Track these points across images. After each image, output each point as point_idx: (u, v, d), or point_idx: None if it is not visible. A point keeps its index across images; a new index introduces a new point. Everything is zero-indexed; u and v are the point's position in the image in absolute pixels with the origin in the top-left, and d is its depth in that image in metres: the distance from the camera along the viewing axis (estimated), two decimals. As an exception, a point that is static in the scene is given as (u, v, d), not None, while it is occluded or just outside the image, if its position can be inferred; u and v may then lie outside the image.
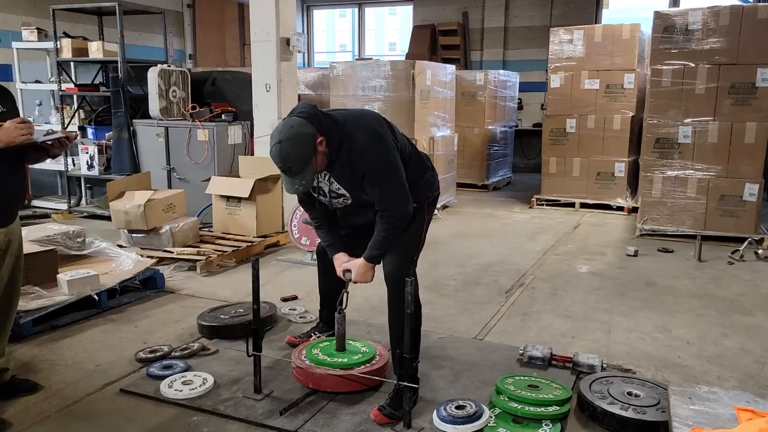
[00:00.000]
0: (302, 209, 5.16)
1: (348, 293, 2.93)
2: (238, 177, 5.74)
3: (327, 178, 2.74)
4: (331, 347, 3.02)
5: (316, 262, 5.14)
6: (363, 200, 2.76)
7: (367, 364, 2.91)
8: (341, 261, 2.95)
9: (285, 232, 5.62)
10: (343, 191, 2.75)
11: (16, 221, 2.82)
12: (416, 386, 2.63)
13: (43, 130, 2.87)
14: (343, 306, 2.92)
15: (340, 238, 3.01)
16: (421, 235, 2.94)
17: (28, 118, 2.65)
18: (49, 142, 2.67)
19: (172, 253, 4.99)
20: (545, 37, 8.11)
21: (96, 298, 3.86)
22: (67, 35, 7.04)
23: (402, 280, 2.67)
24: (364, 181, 2.66)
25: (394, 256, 2.84)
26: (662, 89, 6.02)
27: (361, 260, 2.84)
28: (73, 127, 7.23)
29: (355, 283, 2.89)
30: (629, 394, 2.73)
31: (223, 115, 6.34)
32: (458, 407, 2.63)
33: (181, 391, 2.85)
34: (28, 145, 2.60)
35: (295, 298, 4.27)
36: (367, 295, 4.38)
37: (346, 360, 2.91)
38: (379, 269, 2.90)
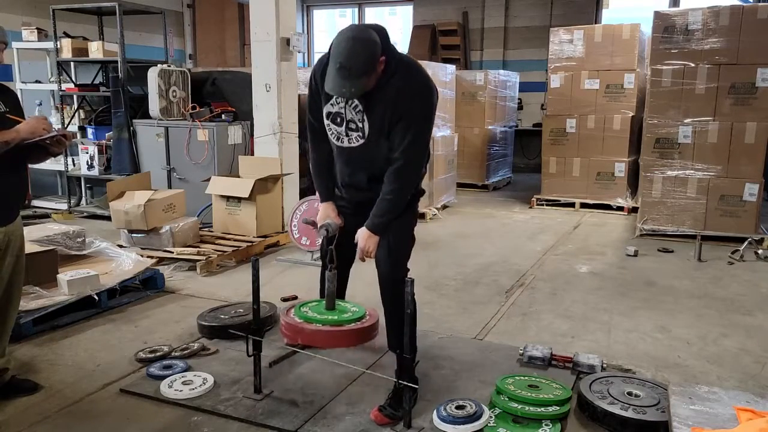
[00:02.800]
0: (302, 209, 5.18)
1: (334, 250, 2.78)
2: (238, 177, 5.74)
3: (354, 105, 2.61)
4: (321, 306, 2.88)
5: (315, 262, 5.14)
6: (376, 146, 2.64)
7: (357, 323, 2.74)
8: (326, 212, 2.87)
9: (285, 232, 5.62)
10: (365, 125, 2.61)
11: (17, 221, 2.82)
12: (416, 386, 2.63)
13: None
14: (334, 264, 2.78)
15: (333, 187, 2.92)
16: (412, 231, 2.92)
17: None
18: (48, 141, 2.68)
19: (172, 253, 4.99)
20: (545, 37, 8.11)
21: (96, 298, 3.86)
22: (67, 35, 7.04)
23: (397, 280, 2.66)
24: (396, 123, 2.55)
25: (387, 256, 2.79)
26: (662, 89, 6.02)
27: (363, 229, 2.73)
28: (73, 127, 7.23)
29: (363, 257, 2.78)
30: (629, 394, 2.73)
31: (223, 115, 6.34)
32: (458, 407, 2.64)
33: (181, 391, 2.85)
34: (30, 143, 2.61)
35: (295, 298, 4.27)
36: (368, 295, 4.37)
37: (336, 317, 2.75)
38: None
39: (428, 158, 2.90)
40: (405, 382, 2.53)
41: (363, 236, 2.74)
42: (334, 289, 2.86)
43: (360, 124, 2.63)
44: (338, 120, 2.67)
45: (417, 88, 2.58)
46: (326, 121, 2.72)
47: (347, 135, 2.69)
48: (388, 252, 2.79)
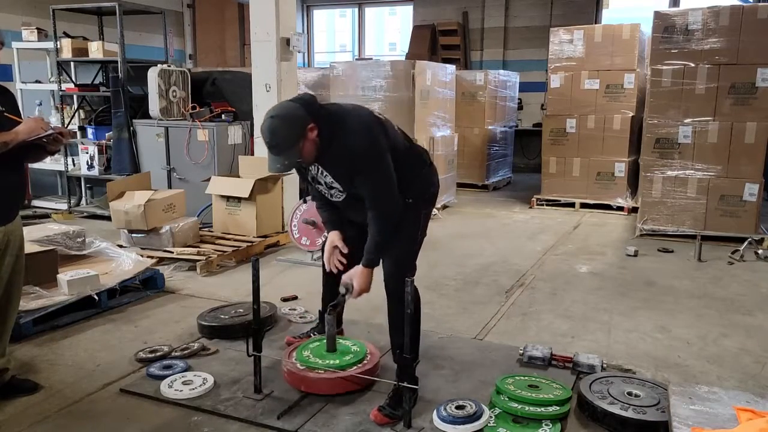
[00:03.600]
0: (302, 209, 5.18)
1: (345, 300, 2.91)
2: (238, 177, 5.74)
3: (320, 170, 2.76)
4: (322, 348, 3.02)
5: (315, 262, 5.14)
6: (356, 194, 2.77)
7: (359, 365, 2.91)
8: (333, 239, 2.99)
9: (285, 232, 5.62)
10: (336, 184, 2.76)
11: (17, 221, 2.82)
12: (416, 387, 2.63)
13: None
14: (336, 309, 2.92)
15: (339, 219, 3.01)
16: (416, 234, 2.91)
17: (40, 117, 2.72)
18: (45, 139, 2.68)
19: (172, 253, 4.99)
20: (545, 37, 8.11)
21: (96, 298, 3.86)
22: (67, 35, 7.04)
23: (399, 281, 2.69)
24: (356, 177, 2.67)
25: (390, 257, 2.84)
26: (662, 89, 6.02)
27: (359, 267, 2.82)
28: (73, 127, 7.23)
29: (358, 295, 2.84)
30: (629, 394, 2.73)
31: (223, 115, 6.34)
32: (458, 407, 2.64)
33: (181, 391, 2.85)
34: (28, 142, 2.62)
35: (295, 298, 4.27)
36: (368, 295, 4.37)
37: (337, 361, 2.90)
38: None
39: (426, 162, 2.98)
40: (405, 384, 2.53)
41: (358, 273, 2.80)
42: (335, 332, 2.97)
43: (333, 185, 2.77)
44: (319, 181, 2.82)
45: (358, 143, 2.63)
46: (313, 184, 2.89)
47: (329, 192, 2.84)
48: (391, 253, 2.85)
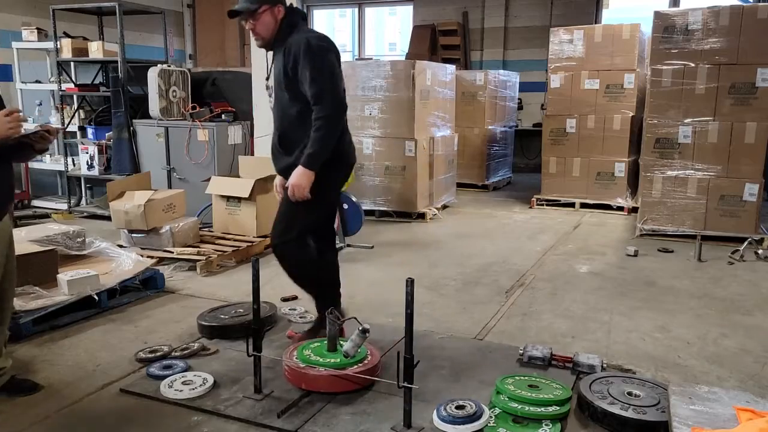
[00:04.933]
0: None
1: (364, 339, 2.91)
2: (238, 177, 5.74)
3: (272, 68, 3.15)
4: (323, 347, 3.03)
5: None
6: (283, 106, 3.07)
7: (359, 364, 2.91)
8: (277, 182, 3.34)
9: (285, 232, 5.61)
10: (271, 82, 3.10)
11: (5, 221, 2.74)
12: (415, 386, 2.62)
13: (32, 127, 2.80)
14: (341, 320, 2.96)
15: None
16: (319, 200, 3.07)
17: (18, 110, 2.54)
18: (32, 138, 2.58)
19: (172, 253, 5.00)
20: (545, 37, 8.11)
21: (96, 298, 3.86)
22: (67, 35, 7.05)
23: (278, 243, 3.10)
24: (296, 67, 2.93)
25: (281, 215, 3.15)
26: (662, 89, 6.02)
27: (298, 167, 2.98)
28: (73, 127, 7.23)
29: (293, 199, 3.00)
30: (629, 394, 2.73)
31: (223, 115, 6.34)
32: (458, 407, 2.63)
33: (181, 391, 2.85)
34: (12, 141, 2.51)
35: (295, 298, 4.27)
36: (368, 296, 4.38)
37: (338, 360, 2.90)
38: None
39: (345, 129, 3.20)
40: (406, 383, 2.53)
41: (295, 172, 2.98)
42: (336, 332, 3.00)
43: (272, 82, 3.15)
44: (269, 86, 3.23)
45: (312, 38, 2.98)
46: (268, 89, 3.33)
47: (270, 99, 3.22)
48: (283, 211, 3.16)
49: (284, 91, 3.03)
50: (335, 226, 5.06)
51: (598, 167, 7.49)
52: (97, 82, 7.50)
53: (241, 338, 3.20)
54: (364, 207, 6.29)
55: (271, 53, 3.23)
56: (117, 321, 3.85)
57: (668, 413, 2.31)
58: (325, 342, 3.03)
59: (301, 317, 3.86)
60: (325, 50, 2.99)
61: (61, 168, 7.18)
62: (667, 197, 6.09)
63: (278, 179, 3.33)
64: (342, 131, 3.13)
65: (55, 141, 7.63)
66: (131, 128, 6.50)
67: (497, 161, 9.43)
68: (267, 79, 3.24)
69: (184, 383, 2.91)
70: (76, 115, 7.30)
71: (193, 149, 6.17)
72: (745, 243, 5.56)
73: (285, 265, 3.21)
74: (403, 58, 11.27)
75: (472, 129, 8.91)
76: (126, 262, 4.33)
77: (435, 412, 2.65)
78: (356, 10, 13.49)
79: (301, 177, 2.97)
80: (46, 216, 6.83)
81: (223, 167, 6.11)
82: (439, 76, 7.27)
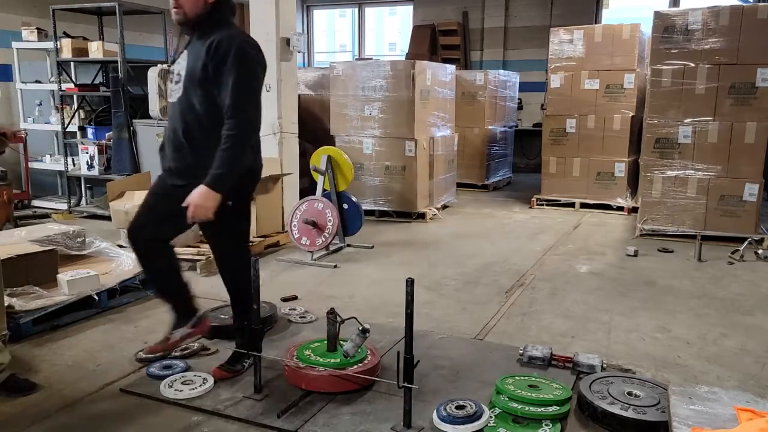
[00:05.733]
0: (302, 209, 5.18)
1: (363, 339, 2.89)
2: (238, 177, 5.74)
3: (185, 55, 2.83)
4: (323, 347, 3.03)
5: (315, 262, 5.14)
6: (191, 100, 2.76)
7: (359, 364, 2.91)
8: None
9: (285, 232, 5.62)
10: (183, 76, 2.78)
11: None
12: (412, 386, 2.62)
13: None
14: (340, 320, 2.93)
15: (164, 152, 3.00)
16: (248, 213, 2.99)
17: None
18: None
19: (172, 253, 4.99)
20: (545, 37, 8.11)
21: (96, 298, 3.86)
22: (67, 35, 7.04)
23: (240, 256, 2.92)
24: (220, 69, 2.68)
25: (229, 236, 2.97)
26: (662, 89, 6.02)
27: (201, 186, 2.66)
28: (73, 127, 7.23)
29: (192, 220, 2.71)
30: (629, 394, 2.73)
31: (223, 115, 6.33)
32: (458, 407, 2.63)
33: (181, 391, 2.85)
34: None
35: (295, 298, 4.27)
36: (367, 296, 4.38)
37: (338, 360, 2.91)
38: None
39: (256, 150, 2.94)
40: (406, 383, 2.53)
41: (198, 191, 2.67)
42: (336, 331, 2.97)
43: (181, 74, 2.81)
44: (173, 70, 2.89)
45: (242, 42, 2.73)
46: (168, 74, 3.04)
47: (171, 89, 2.88)
48: (231, 232, 2.96)
49: (197, 87, 2.75)
50: (336, 225, 5.09)
51: (598, 167, 7.49)
52: (97, 82, 7.49)
53: (241, 338, 3.20)
54: (364, 207, 6.28)
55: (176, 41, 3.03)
56: (117, 321, 3.84)
57: (668, 413, 2.30)
58: (325, 342, 3.03)
59: (301, 317, 3.86)
60: (256, 62, 2.78)
61: (61, 168, 7.18)
62: (667, 197, 6.09)
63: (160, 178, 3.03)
64: (257, 151, 2.93)
65: (55, 141, 7.65)
66: (131, 128, 6.49)
67: (497, 161, 9.43)
68: (171, 64, 2.91)
69: (184, 383, 2.91)
70: (76, 115, 7.30)
71: (193, 149, 6.16)
72: (745, 243, 5.56)
73: (241, 282, 2.94)
74: (403, 58, 11.27)
75: (472, 129, 8.91)
76: (126, 262, 4.32)
77: (435, 412, 2.64)
78: (356, 10, 13.49)
79: (205, 198, 2.65)
80: (46, 216, 6.83)
81: (223, 167, 6.10)
82: (439, 76, 7.27)
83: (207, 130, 2.76)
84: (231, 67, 2.66)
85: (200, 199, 2.65)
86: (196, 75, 2.73)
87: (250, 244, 4.85)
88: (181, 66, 2.82)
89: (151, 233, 2.92)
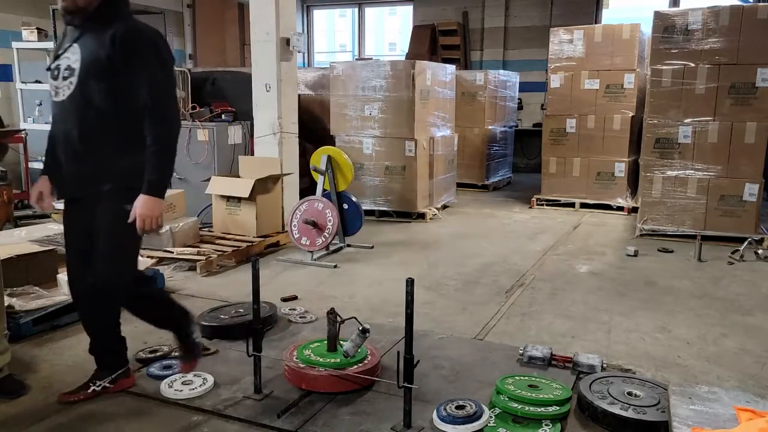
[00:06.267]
0: (302, 209, 5.18)
1: (363, 338, 2.85)
2: (238, 177, 5.75)
3: (73, 47, 2.52)
4: (323, 347, 3.03)
5: (315, 262, 5.14)
6: (89, 97, 2.48)
7: (359, 364, 2.92)
8: (39, 187, 2.75)
9: (285, 232, 5.62)
10: (76, 71, 2.49)
11: None
12: (415, 386, 2.62)
13: None
14: (341, 320, 2.93)
15: (55, 160, 2.68)
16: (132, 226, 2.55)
17: None
18: None
19: (172, 253, 4.99)
20: (545, 37, 8.11)
21: (96, 298, 3.86)
22: (67, 35, 7.04)
23: (119, 287, 2.59)
24: (127, 62, 2.44)
25: (110, 249, 2.59)
26: (662, 89, 6.02)
27: (140, 196, 2.50)
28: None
29: (144, 229, 2.51)
30: (629, 394, 2.73)
31: (223, 115, 6.34)
32: (458, 407, 2.63)
33: (181, 391, 2.85)
34: None
35: (295, 298, 4.27)
36: (367, 296, 4.38)
37: (338, 360, 2.91)
38: None
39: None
40: (406, 384, 2.53)
41: (140, 202, 2.49)
42: (336, 331, 2.96)
43: (72, 67, 2.51)
44: (59, 66, 2.57)
45: (149, 33, 2.53)
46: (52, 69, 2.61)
47: (58, 85, 2.56)
48: (108, 251, 2.59)
49: (97, 82, 2.47)
50: (336, 225, 5.09)
51: (598, 167, 7.48)
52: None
53: (241, 338, 3.20)
54: (364, 207, 6.29)
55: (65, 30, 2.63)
56: (117, 321, 3.83)
57: (668, 413, 2.31)
58: (325, 342, 3.03)
59: (301, 317, 3.86)
60: (169, 55, 2.57)
61: (61, 168, 7.17)
62: (667, 197, 6.09)
63: (44, 184, 2.76)
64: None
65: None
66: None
67: (497, 161, 9.43)
68: (57, 57, 2.57)
69: (184, 383, 2.91)
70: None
71: (193, 149, 6.17)
72: (745, 243, 5.56)
73: (143, 308, 2.79)
74: (403, 58, 11.27)
75: (472, 129, 8.91)
76: (126, 262, 4.32)
77: (435, 412, 2.65)
78: (356, 10, 13.49)
79: (151, 206, 2.49)
80: (46, 216, 6.83)
81: (223, 167, 6.11)
82: (439, 76, 7.27)
83: (111, 130, 2.53)
84: (146, 62, 2.47)
85: (145, 208, 2.48)
86: (97, 68, 2.46)
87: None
88: (71, 60, 2.51)
89: (129, 269, 2.67)
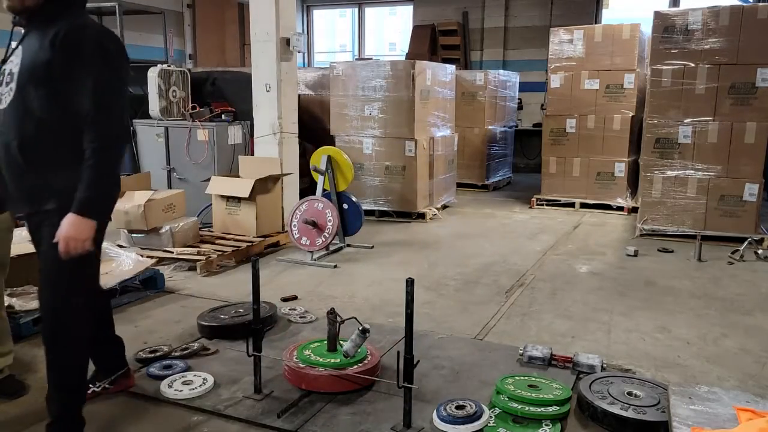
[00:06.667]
0: (302, 209, 5.18)
1: (364, 338, 2.84)
2: (238, 177, 5.75)
3: (18, 52, 2.29)
4: (323, 347, 3.03)
5: (315, 262, 5.15)
6: (29, 105, 2.23)
7: (359, 364, 2.92)
8: None
9: (285, 232, 5.62)
10: (14, 73, 2.26)
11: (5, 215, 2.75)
12: (415, 387, 2.62)
13: None
14: (341, 321, 2.92)
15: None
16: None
17: None
18: None
19: (172, 253, 4.99)
20: (545, 37, 8.11)
21: (96, 298, 3.86)
22: (67, 35, 7.04)
23: (59, 309, 2.31)
24: (70, 65, 2.19)
25: (52, 273, 2.32)
26: (662, 89, 6.02)
27: (68, 215, 2.19)
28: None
29: (66, 251, 2.18)
30: (629, 394, 2.73)
31: (223, 115, 6.35)
32: (458, 407, 2.63)
33: (181, 391, 2.85)
34: None
35: (295, 298, 4.27)
36: (367, 296, 4.38)
37: (338, 360, 2.91)
38: None
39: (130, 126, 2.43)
40: (406, 384, 2.53)
41: (67, 222, 2.19)
42: (336, 331, 2.95)
43: (12, 71, 2.28)
44: (2, 71, 2.34)
45: (97, 33, 2.28)
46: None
47: (2, 92, 2.32)
48: (52, 279, 2.33)
49: (35, 88, 2.22)
50: (336, 225, 5.09)
51: (598, 167, 7.49)
52: (97, 82, 7.49)
53: (241, 338, 3.21)
54: (364, 207, 6.29)
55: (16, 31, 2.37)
56: (117, 321, 3.79)
57: (668, 413, 2.31)
58: (325, 342, 3.03)
59: (301, 317, 3.86)
60: (121, 57, 2.34)
61: (61, 168, 7.17)
62: (667, 197, 6.09)
63: None
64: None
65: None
66: (131, 128, 6.49)
67: (497, 161, 9.43)
68: (3, 62, 2.34)
69: (184, 383, 2.91)
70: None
71: (193, 149, 6.17)
72: (745, 243, 5.55)
73: (62, 343, 2.35)
74: (403, 58, 11.28)
75: (472, 129, 8.91)
76: (126, 262, 4.32)
77: (435, 412, 2.65)
78: (356, 10, 13.50)
79: (78, 228, 2.18)
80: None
81: (223, 167, 6.11)
82: (439, 76, 7.27)
83: (55, 141, 2.26)
84: (89, 64, 2.20)
85: (71, 229, 2.18)
86: (37, 72, 2.22)
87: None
88: (14, 64, 2.29)
89: (75, 294, 2.36)
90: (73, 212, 2.19)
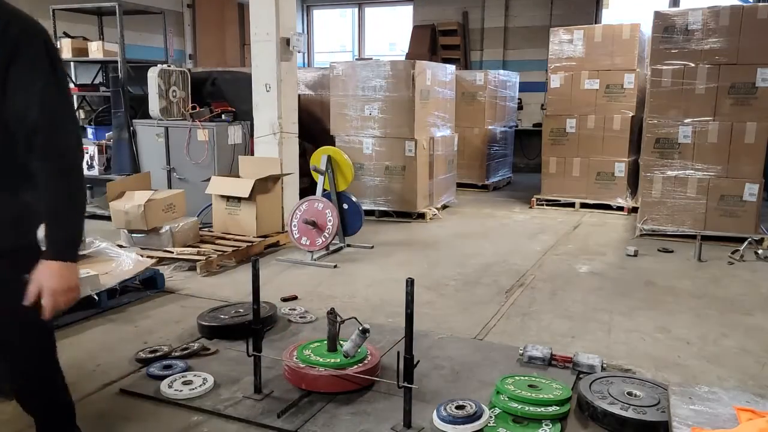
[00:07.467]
0: (302, 209, 5.18)
1: (364, 338, 2.83)
2: (238, 177, 5.74)
3: None
4: (323, 347, 3.03)
5: (315, 262, 5.14)
6: None
7: (359, 364, 2.91)
8: None
9: (285, 232, 5.62)
10: None
11: None
12: (415, 386, 2.62)
13: None
14: (341, 320, 2.92)
15: None
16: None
17: None
18: None
19: (172, 253, 4.99)
20: (545, 37, 8.11)
21: (96, 298, 3.86)
22: (67, 35, 7.04)
23: (46, 378, 2.03)
24: (7, 66, 1.71)
25: (26, 351, 1.98)
26: (662, 89, 6.02)
27: (45, 264, 1.78)
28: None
29: (51, 309, 1.79)
30: (629, 394, 2.73)
31: (223, 115, 6.34)
32: (458, 407, 2.63)
33: (181, 391, 2.85)
34: None
35: (295, 298, 4.27)
36: (367, 296, 4.38)
37: (338, 360, 2.91)
38: None
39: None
40: (406, 383, 2.53)
41: (46, 273, 1.77)
42: (336, 331, 2.93)
43: None
44: None
45: (32, 26, 1.78)
46: None
47: None
48: (34, 334, 1.97)
49: None
50: (336, 225, 5.09)
51: (598, 167, 7.49)
52: (97, 82, 7.50)
53: (241, 338, 3.21)
54: (364, 207, 6.29)
55: None
56: (117, 321, 3.84)
57: (668, 413, 2.30)
58: (325, 342, 3.03)
59: (301, 317, 3.86)
60: (61, 61, 1.85)
61: (61, 168, 7.17)
62: (667, 197, 6.09)
63: None
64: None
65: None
66: (131, 128, 6.50)
67: (497, 161, 9.43)
68: None
69: (184, 383, 2.91)
70: (76, 114, 7.30)
71: (193, 149, 6.17)
72: (745, 243, 5.55)
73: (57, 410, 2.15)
74: (403, 58, 11.27)
75: (472, 129, 8.91)
76: (126, 262, 4.32)
77: (435, 412, 2.64)
78: (356, 10, 13.50)
79: (64, 277, 1.78)
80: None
81: (223, 167, 6.11)
82: (439, 76, 7.27)
83: None
84: (34, 66, 1.74)
85: (55, 280, 1.76)
86: None
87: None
88: None
89: (55, 372, 2.11)
90: (50, 259, 1.77)
